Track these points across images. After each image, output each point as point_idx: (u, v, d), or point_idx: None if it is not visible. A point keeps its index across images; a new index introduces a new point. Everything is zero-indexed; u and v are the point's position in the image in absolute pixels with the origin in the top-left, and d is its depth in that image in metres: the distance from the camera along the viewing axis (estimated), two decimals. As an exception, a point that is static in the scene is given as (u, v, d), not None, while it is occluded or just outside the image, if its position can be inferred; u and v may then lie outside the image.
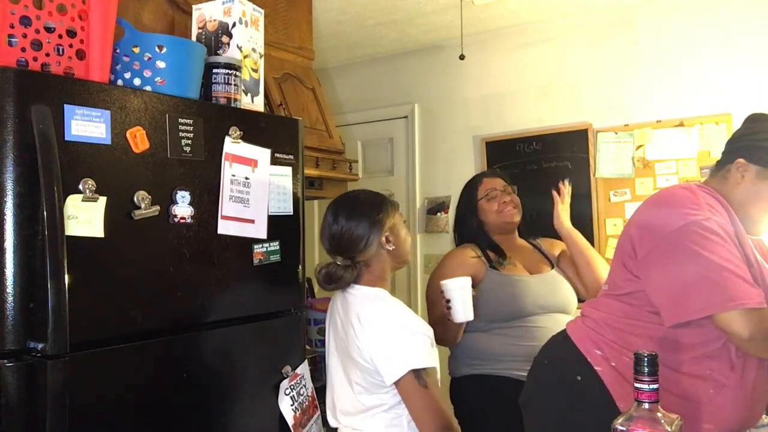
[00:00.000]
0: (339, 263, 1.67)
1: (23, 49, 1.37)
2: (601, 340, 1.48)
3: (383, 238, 1.67)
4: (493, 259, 2.14)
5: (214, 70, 1.75)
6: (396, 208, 1.74)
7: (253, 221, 1.74)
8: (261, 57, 1.95)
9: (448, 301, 1.92)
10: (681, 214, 1.37)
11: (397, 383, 1.54)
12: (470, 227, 2.24)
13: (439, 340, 1.88)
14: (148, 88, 1.55)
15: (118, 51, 1.55)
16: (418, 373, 1.53)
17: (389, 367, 1.55)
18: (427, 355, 1.57)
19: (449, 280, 1.93)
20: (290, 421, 1.77)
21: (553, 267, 2.20)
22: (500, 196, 2.21)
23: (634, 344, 1.41)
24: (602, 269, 2.10)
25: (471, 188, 2.29)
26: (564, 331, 1.61)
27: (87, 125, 1.37)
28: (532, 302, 2.05)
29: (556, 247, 2.29)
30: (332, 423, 1.74)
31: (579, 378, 1.47)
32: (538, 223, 2.30)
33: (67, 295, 1.26)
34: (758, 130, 1.49)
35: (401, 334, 1.57)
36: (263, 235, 1.76)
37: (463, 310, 1.91)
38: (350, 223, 1.66)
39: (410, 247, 1.80)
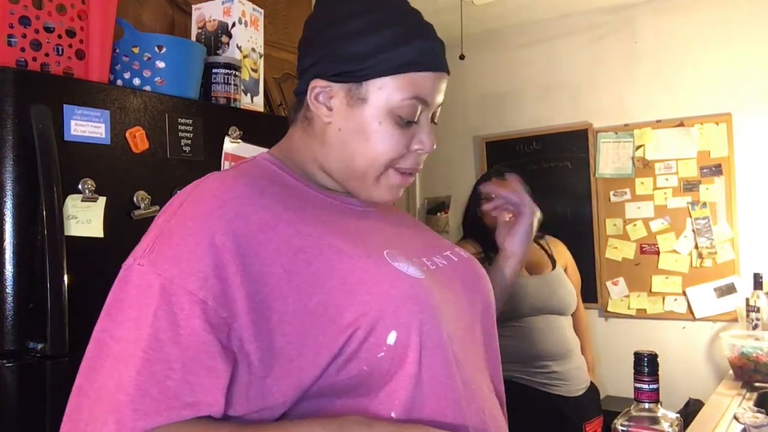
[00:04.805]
0: None
1: (23, 49, 1.37)
2: None
3: None
4: (491, 257, 2.13)
5: (214, 70, 1.75)
6: None
7: (252, 221, 1.73)
8: (261, 57, 1.95)
9: None
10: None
11: None
12: (476, 222, 2.18)
13: None
14: (147, 88, 1.55)
15: (117, 51, 1.55)
16: None
17: None
18: None
19: None
20: (290, 421, 1.77)
21: (554, 267, 2.20)
22: None
23: None
24: None
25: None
26: None
27: (86, 125, 1.37)
28: (527, 304, 2.03)
29: (559, 248, 2.29)
30: None
31: None
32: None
33: (66, 295, 1.26)
34: (335, 19, 0.84)
35: None
36: (263, 235, 1.76)
37: None
38: None
39: None
